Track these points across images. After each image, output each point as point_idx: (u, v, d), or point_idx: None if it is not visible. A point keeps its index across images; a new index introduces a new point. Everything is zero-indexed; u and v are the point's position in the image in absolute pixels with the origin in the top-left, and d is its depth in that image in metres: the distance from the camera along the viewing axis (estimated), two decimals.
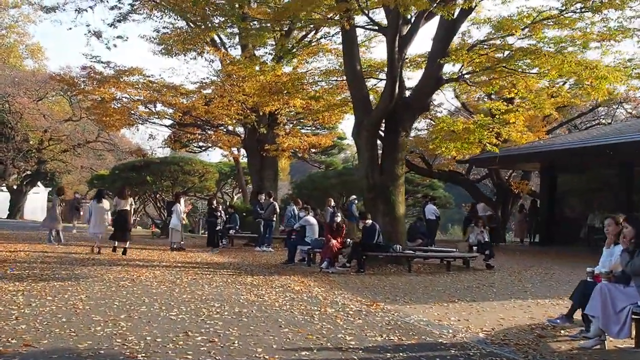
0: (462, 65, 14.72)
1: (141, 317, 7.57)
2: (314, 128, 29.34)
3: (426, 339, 7.01)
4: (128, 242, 17.00)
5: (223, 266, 14.80)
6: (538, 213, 24.35)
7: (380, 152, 15.96)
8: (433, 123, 24.42)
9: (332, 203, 22.51)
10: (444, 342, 6.89)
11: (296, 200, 21.30)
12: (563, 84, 21.18)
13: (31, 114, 41.10)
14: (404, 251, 14.50)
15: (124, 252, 16.45)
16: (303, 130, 26.76)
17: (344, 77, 18.10)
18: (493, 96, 23.01)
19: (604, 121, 32.23)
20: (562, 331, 7.58)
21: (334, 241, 14.05)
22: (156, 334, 6.71)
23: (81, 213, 27.39)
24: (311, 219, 16.33)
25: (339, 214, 15.09)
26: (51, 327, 6.84)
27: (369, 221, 14.17)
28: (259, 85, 18.52)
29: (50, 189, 51.65)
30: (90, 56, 23.77)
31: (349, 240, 14.64)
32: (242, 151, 30.80)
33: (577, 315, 7.49)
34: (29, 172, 46.06)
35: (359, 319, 8.11)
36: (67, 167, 46.90)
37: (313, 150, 28.59)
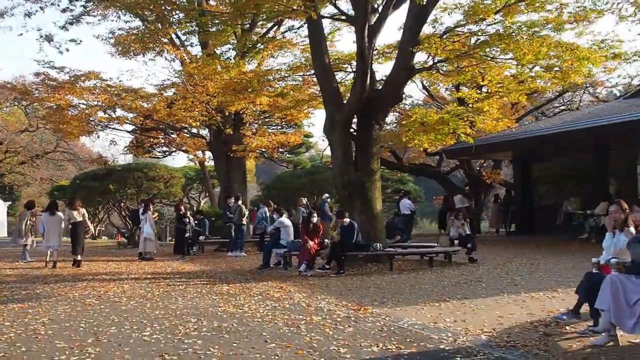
0: (434, 54, 14.17)
1: (111, 341, 6.84)
2: (279, 127, 28.69)
3: (426, 345, 6.42)
4: (80, 255, 16.34)
5: (196, 275, 14.07)
6: (513, 202, 24.01)
7: (354, 147, 15.33)
8: (401, 116, 23.94)
9: (305, 202, 21.93)
10: (446, 348, 6.31)
11: (267, 202, 20.64)
12: (530, 70, 20.88)
13: None
14: (384, 249, 13.93)
15: (76, 264, 16.00)
16: (270, 130, 26.05)
17: (311, 72, 17.52)
18: (462, 87, 22.65)
19: (569, 107, 32.14)
20: (567, 327, 7.06)
21: (311, 242, 13.42)
22: (129, 359, 6.01)
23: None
24: (286, 220, 15.66)
25: (315, 214, 14.45)
26: None
27: (347, 220, 13.57)
28: (223, 84, 17.79)
29: (9, 202, 50.14)
30: (43, 62, 22.70)
31: (326, 240, 14.03)
32: (208, 154, 30.07)
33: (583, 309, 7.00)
34: None
35: (349, 326, 7.49)
36: (26, 179, 45.68)
37: (280, 149, 27.94)
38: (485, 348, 6.26)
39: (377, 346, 6.41)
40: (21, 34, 48.57)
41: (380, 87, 15.12)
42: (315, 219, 14.14)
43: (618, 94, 31.05)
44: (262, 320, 7.93)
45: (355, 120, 15.32)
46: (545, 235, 20.79)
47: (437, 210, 35.42)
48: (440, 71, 15.83)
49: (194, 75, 19.50)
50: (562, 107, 32.53)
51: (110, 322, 7.98)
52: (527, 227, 22.94)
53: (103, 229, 44.90)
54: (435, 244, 15.72)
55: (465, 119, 16.28)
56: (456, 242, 14.62)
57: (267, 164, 52.71)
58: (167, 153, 33.62)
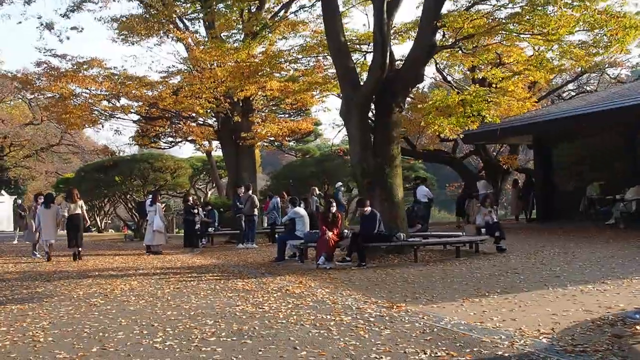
0: (458, 29, 13.23)
1: (118, 349, 6.00)
2: (287, 115, 27.81)
3: (481, 352, 5.56)
4: (80, 248, 16.01)
5: (207, 269, 13.26)
6: (534, 188, 23.09)
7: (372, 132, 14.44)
8: (414, 100, 22.99)
9: (317, 191, 21.14)
10: (505, 354, 5.45)
11: (282, 194, 19.86)
12: (549, 49, 19.89)
13: None
14: (408, 239, 13.07)
15: (75, 258, 15.74)
16: (279, 117, 25.14)
17: (325, 54, 16.65)
18: (478, 69, 21.74)
19: (585, 90, 31.17)
20: (639, 327, 6.19)
21: (330, 233, 12.58)
22: None
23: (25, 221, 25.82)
24: (301, 210, 14.81)
25: (334, 203, 13.59)
26: None
27: (368, 209, 12.72)
28: (231, 69, 16.89)
29: (15, 196, 49.45)
30: (43, 50, 21.85)
31: (346, 231, 13.17)
32: (215, 143, 29.24)
33: None
34: None
35: (385, 327, 6.65)
36: (31, 172, 44.92)
37: (289, 137, 27.03)
38: (550, 354, 5.40)
39: (425, 353, 5.56)
40: (20, 22, 47.68)
41: (399, 67, 14.24)
42: (334, 208, 13.28)
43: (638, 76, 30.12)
44: (286, 322, 7.10)
45: (373, 103, 14.41)
46: (568, 222, 19.89)
47: (452, 198, 34.73)
48: (463, 49, 14.89)
49: (201, 60, 18.61)
50: (576, 91, 31.61)
51: (118, 325, 7.15)
52: (548, 213, 22.04)
53: (109, 221, 44.20)
54: (461, 233, 14.85)
55: (490, 100, 15.42)
56: (483, 230, 13.73)
57: (272, 154, 51.80)
58: (172, 143, 32.80)
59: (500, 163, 25.12)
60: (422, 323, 6.83)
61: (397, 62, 14.82)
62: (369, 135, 13.95)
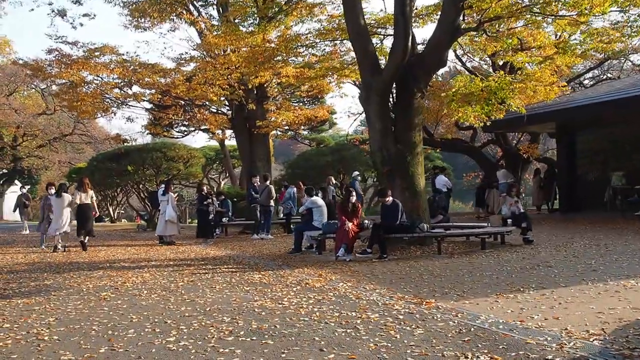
0: (486, 9, 12.61)
1: (128, 350, 5.50)
2: (302, 103, 27.24)
3: (528, 355, 5.00)
4: (87, 238, 15.86)
5: (222, 261, 12.79)
6: (556, 177, 22.42)
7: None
8: (431, 87, 22.32)
9: (334, 181, 20.62)
10: (555, 358, 4.91)
11: (298, 184, 19.37)
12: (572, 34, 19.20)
13: (2, 110, 38.79)
14: (431, 230, 12.52)
15: (85, 247, 15.52)
16: (294, 104, 24.57)
17: (342, 39, 16.08)
18: (498, 55, 21.07)
19: (610, 75, 30.40)
20: None
21: (350, 224, 12.05)
22: None
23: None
24: (319, 200, 14.29)
25: (353, 193, 13.04)
26: None
27: (390, 198, 12.19)
28: (246, 54, 16.35)
29: (28, 186, 49.25)
30: (54, 37, 21.40)
31: (366, 221, 12.62)
32: (229, 132, 28.76)
33: None
34: (4, 171, 43.65)
35: (417, 326, 6.13)
36: (44, 162, 44.66)
37: (304, 126, 26.47)
38: (607, 359, 4.86)
39: (466, 357, 5.02)
40: (32, 10, 47.02)
41: (421, 52, 13.65)
42: (354, 198, 12.74)
43: None
44: (309, 319, 6.59)
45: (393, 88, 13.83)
46: (592, 213, 19.26)
47: (469, 188, 34.10)
48: (487, 32, 14.26)
49: (215, 46, 18.07)
50: (597, 79, 30.86)
51: (128, 322, 6.67)
52: (571, 204, 21.39)
53: (122, 211, 43.91)
54: (485, 224, 14.28)
55: (515, 87, 14.82)
56: (509, 221, 13.14)
57: (284, 144, 51.20)
58: (185, 132, 32.35)
59: (520, 152, 24.47)
60: (456, 321, 6.30)
61: (418, 46, 14.23)
62: (389, 122, 13.39)
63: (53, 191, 16.32)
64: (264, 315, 6.87)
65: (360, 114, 32.70)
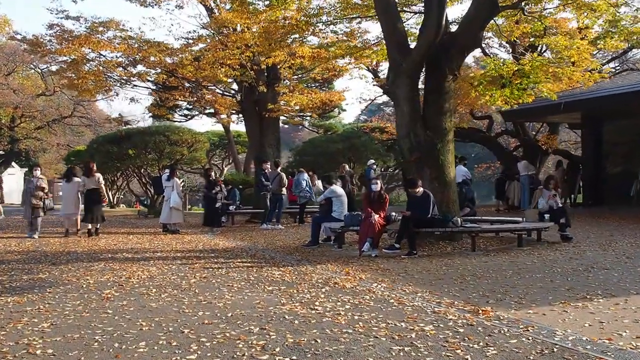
0: None
1: None
2: (313, 86, 26.14)
3: None
4: (99, 224, 15.43)
5: (234, 253, 11.73)
6: (579, 170, 21.34)
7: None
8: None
9: (347, 168, 19.55)
10: None
11: (311, 175, 18.38)
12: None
13: (0, 90, 37.67)
14: (465, 224, 11.45)
15: (95, 233, 15.15)
16: (307, 88, 23.42)
17: (366, 18, 14.97)
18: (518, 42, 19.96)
19: (632, 66, 29.24)
20: None
21: (376, 216, 10.98)
22: None
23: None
24: (338, 189, 13.18)
25: (379, 181, 11.96)
26: None
27: (420, 189, 11.12)
28: (261, 30, 15.24)
29: (26, 169, 48.19)
30: (56, 11, 20.23)
31: (393, 214, 11.55)
32: (234, 117, 27.67)
33: None
34: (1, 152, 42.53)
35: (486, 344, 5.07)
36: (42, 145, 43.59)
37: (318, 110, 25.29)
38: None
39: None
40: None
41: (455, 29, 12.56)
42: (377, 186, 11.64)
43: None
44: (353, 331, 5.52)
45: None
46: (618, 207, 18.17)
47: (482, 179, 33.10)
48: (525, 11, 13.14)
49: (227, 22, 16.91)
50: (619, 68, 29.71)
51: (137, 331, 5.60)
52: (595, 198, 20.33)
53: (122, 196, 42.85)
54: (520, 218, 13.22)
55: (549, 71, 13.78)
56: (547, 216, 12.06)
57: (284, 131, 49.94)
58: (189, 117, 31.24)
59: (539, 143, 23.39)
60: (530, 338, 5.24)
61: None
62: (419, 106, 12.30)
63: (39, 172, 15.87)
64: (297, 324, 5.81)
65: (373, 100, 31.88)
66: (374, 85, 23.57)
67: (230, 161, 38.75)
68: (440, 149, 12.00)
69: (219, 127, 36.10)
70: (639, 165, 19.27)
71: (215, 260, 10.64)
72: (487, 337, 5.29)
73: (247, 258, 11.00)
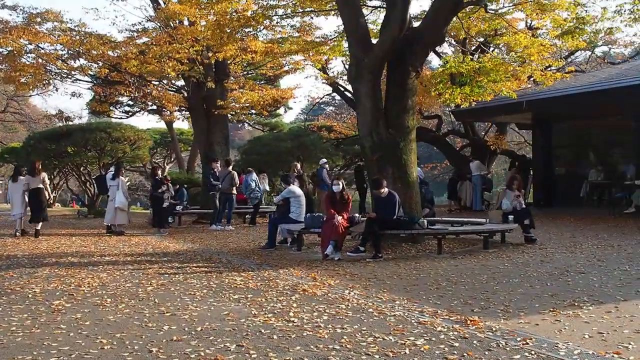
0: None
1: None
2: (260, 83, 25.48)
3: None
4: (40, 224, 14.86)
5: (188, 257, 11.06)
6: (529, 171, 21.38)
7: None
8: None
9: (299, 167, 19.00)
10: None
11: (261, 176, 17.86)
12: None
13: None
14: (432, 226, 11.09)
15: (36, 235, 14.51)
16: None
17: (318, 12, 14.50)
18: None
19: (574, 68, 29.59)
20: None
21: (339, 218, 10.51)
22: None
23: None
24: (296, 189, 12.64)
25: (341, 181, 11.50)
26: None
27: (385, 190, 10.67)
28: (212, 23, 14.59)
29: None
30: None
31: (357, 215, 11.11)
32: (177, 114, 26.86)
33: None
34: None
35: (485, 359, 4.66)
36: None
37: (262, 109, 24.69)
38: None
39: None
40: None
41: (419, 25, 12.22)
42: (339, 187, 11.18)
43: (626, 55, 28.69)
44: (341, 347, 5.01)
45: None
46: (569, 208, 18.16)
47: (430, 180, 33.04)
48: (487, 9, 12.91)
49: (177, 15, 16.17)
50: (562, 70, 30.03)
51: (98, 350, 4.95)
52: (545, 198, 20.35)
53: (56, 195, 41.25)
54: (479, 219, 12.97)
55: (508, 69, 13.63)
56: (510, 217, 11.82)
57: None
58: (130, 114, 30.12)
59: (487, 143, 23.37)
60: (534, 353, 4.85)
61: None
62: (381, 104, 11.89)
63: None
64: (277, 340, 5.27)
65: (321, 99, 31.48)
66: (322, 82, 23.05)
67: (173, 159, 37.77)
68: (403, 147, 11.64)
69: (161, 125, 35.08)
70: (589, 166, 19.43)
71: (170, 265, 9.97)
72: (486, 352, 4.88)
73: (203, 262, 10.37)
